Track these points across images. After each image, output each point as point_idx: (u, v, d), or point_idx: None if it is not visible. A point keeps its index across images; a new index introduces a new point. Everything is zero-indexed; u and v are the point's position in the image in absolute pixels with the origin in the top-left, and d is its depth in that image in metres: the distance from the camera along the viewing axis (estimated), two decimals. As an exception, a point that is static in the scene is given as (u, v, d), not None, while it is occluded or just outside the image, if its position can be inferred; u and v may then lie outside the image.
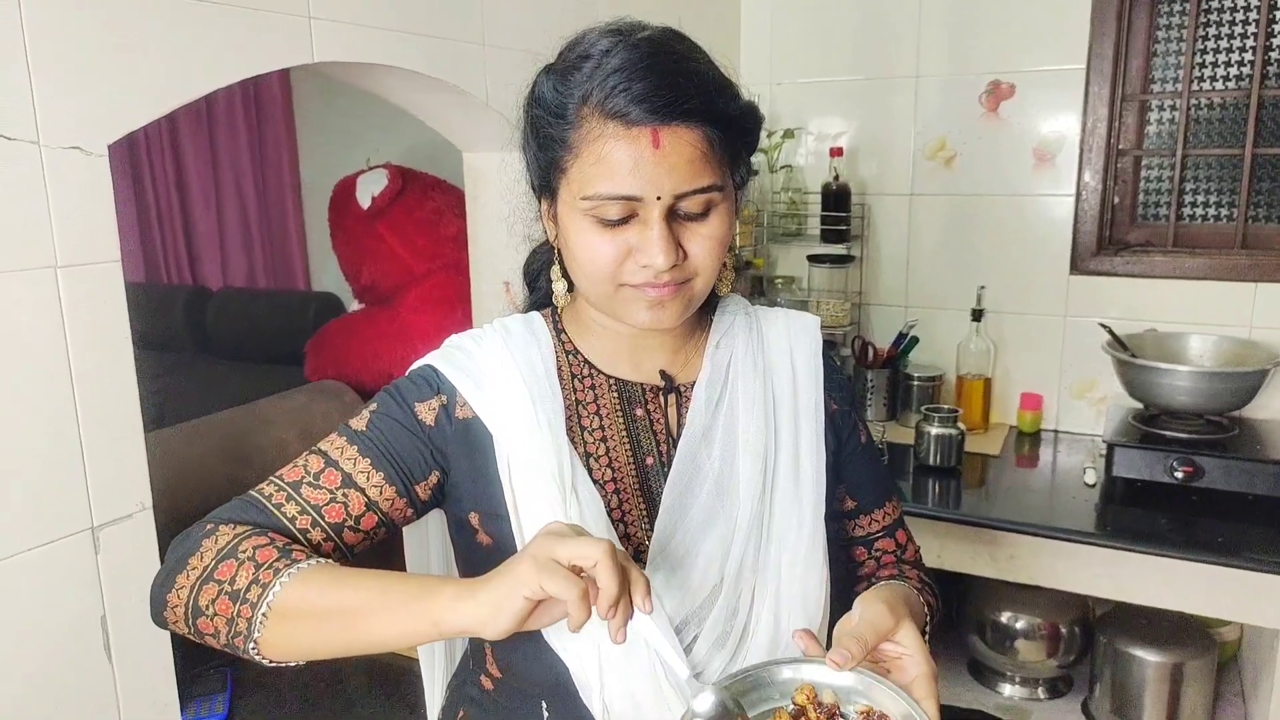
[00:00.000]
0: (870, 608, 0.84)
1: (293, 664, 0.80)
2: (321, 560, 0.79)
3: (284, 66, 1.40)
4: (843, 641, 0.81)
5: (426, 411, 0.90)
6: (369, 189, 3.02)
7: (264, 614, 0.76)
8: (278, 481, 0.87)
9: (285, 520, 0.84)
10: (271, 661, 0.79)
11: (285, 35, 1.38)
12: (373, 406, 0.92)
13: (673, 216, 0.83)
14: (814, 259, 2.58)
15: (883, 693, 0.79)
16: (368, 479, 0.87)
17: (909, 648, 0.83)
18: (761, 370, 0.97)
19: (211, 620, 0.79)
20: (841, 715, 0.79)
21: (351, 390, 2.77)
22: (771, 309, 1.04)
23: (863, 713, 0.79)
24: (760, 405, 0.95)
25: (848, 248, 2.57)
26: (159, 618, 0.83)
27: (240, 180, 4.36)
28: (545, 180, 0.89)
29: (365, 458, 0.88)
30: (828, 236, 2.55)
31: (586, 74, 0.82)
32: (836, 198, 2.53)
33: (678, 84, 0.80)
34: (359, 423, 0.90)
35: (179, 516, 1.09)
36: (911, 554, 1.10)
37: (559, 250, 0.92)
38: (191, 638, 0.82)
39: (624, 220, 0.83)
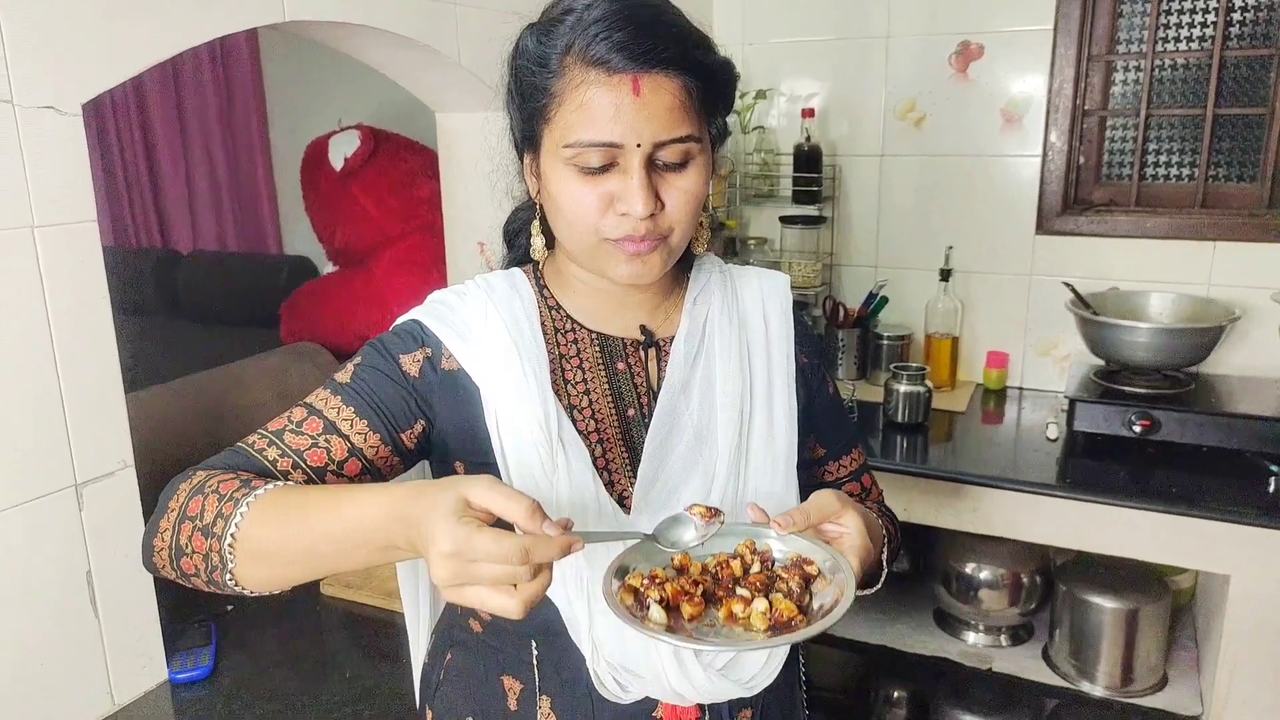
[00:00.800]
0: (820, 495, 0.89)
1: (278, 591, 0.82)
2: (277, 484, 0.81)
3: (256, 25, 1.40)
4: (789, 511, 0.87)
5: (411, 363, 0.93)
6: (341, 150, 3.00)
7: (230, 546, 0.78)
8: (262, 431, 0.90)
9: (267, 463, 0.87)
10: (252, 592, 0.81)
11: (257, -6, 1.38)
12: (357, 360, 0.94)
13: (651, 167, 0.86)
14: (786, 220, 2.61)
15: (813, 549, 0.86)
16: (351, 426, 0.89)
17: (849, 528, 0.88)
18: (736, 325, 1.01)
19: (191, 559, 0.81)
20: (774, 559, 0.86)
21: (327, 352, 2.77)
22: (744, 267, 1.08)
23: (793, 559, 0.86)
24: (736, 358, 0.99)
25: (819, 209, 2.60)
26: (149, 564, 0.86)
27: (209, 142, 4.30)
28: (529, 131, 0.92)
29: (349, 406, 0.90)
30: (799, 197, 2.58)
31: (569, 26, 0.86)
32: (808, 159, 2.55)
33: (656, 33, 0.84)
34: (343, 375, 0.93)
35: (159, 474, 1.10)
36: (876, 495, 1.16)
37: (540, 206, 0.95)
38: (182, 582, 0.85)
39: (604, 169, 0.86)
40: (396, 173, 3.01)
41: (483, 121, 1.26)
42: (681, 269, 1.01)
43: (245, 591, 0.81)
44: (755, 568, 0.85)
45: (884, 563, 1.01)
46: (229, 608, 1.53)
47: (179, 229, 4.41)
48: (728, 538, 0.86)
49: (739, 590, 0.81)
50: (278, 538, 0.77)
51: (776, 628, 0.78)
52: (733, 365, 0.98)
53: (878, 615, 2.39)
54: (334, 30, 1.62)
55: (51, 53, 1.13)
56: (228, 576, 0.80)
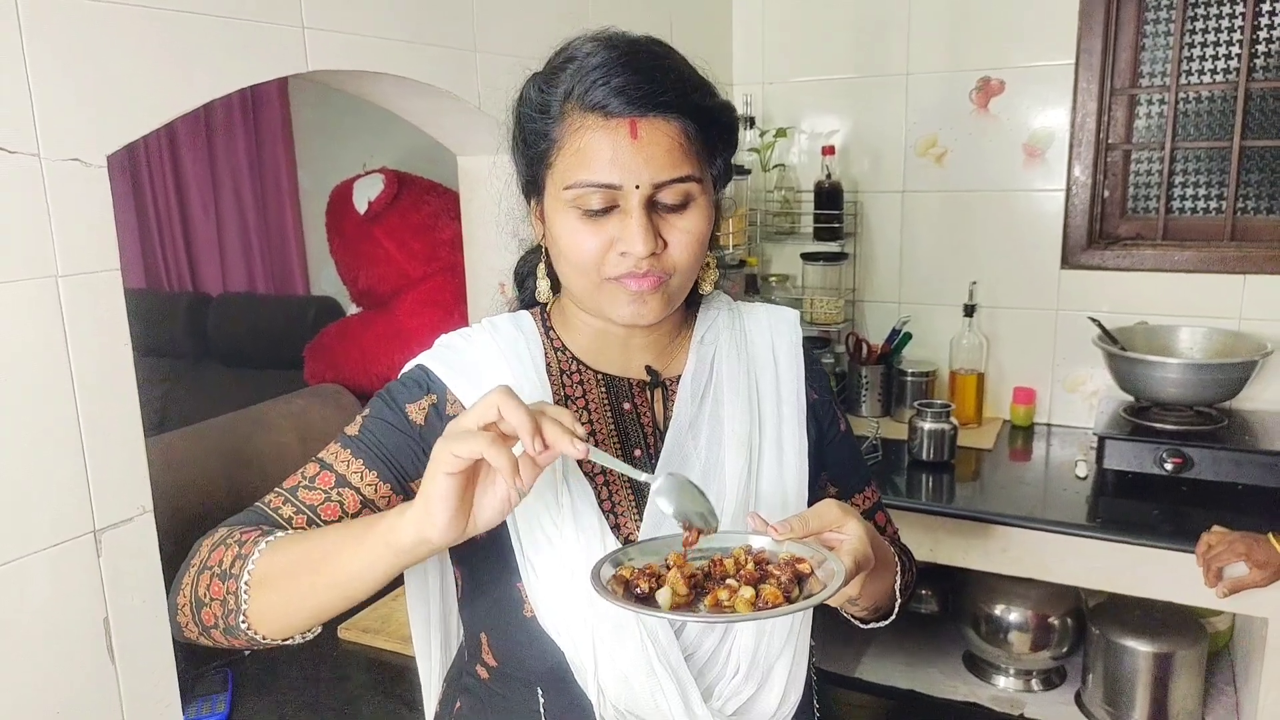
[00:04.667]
0: (822, 504, 0.86)
1: (291, 640, 0.83)
2: (298, 530, 0.83)
3: (278, 76, 1.42)
4: (787, 518, 0.84)
5: (417, 412, 0.93)
6: (365, 194, 3.04)
7: (245, 584, 0.80)
8: (278, 489, 0.91)
9: (282, 520, 0.88)
10: (267, 638, 0.82)
11: (280, 45, 1.41)
12: (366, 412, 0.96)
13: (652, 208, 0.87)
14: (807, 257, 2.60)
15: (805, 550, 0.83)
16: (361, 478, 0.90)
17: (850, 534, 0.83)
18: (745, 363, 1.01)
19: (210, 607, 0.82)
20: (768, 562, 0.83)
21: (349, 393, 2.79)
22: (753, 304, 1.08)
23: (785, 558, 0.83)
24: (744, 396, 0.98)
25: (841, 245, 2.59)
26: (175, 625, 0.88)
27: (239, 187, 4.38)
28: (532, 176, 0.93)
29: (358, 459, 0.91)
30: (821, 234, 2.57)
31: (570, 74, 0.87)
32: (829, 195, 2.55)
33: (654, 78, 0.85)
34: (353, 429, 0.94)
35: (180, 519, 1.11)
36: (891, 533, 1.14)
37: (546, 250, 0.95)
38: (204, 640, 0.86)
39: (606, 211, 0.86)
40: (419, 215, 3.03)
41: (493, 166, 1.27)
42: (689, 307, 1.01)
43: (258, 636, 0.82)
44: (750, 567, 0.83)
45: (898, 592, 0.99)
46: (246, 654, 1.53)
47: (209, 272, 4.48)
48: (725, 543, 0.85)
49: (728, 581, 0.80)
50: (290, 560, 0.79)
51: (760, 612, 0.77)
52: (741, 404, 0.98)
53: (906, 659, 2.34)
54: (356, 78, 1.65)
55: (77, 107, 1.15)
56: (240, 619, 0.80)
